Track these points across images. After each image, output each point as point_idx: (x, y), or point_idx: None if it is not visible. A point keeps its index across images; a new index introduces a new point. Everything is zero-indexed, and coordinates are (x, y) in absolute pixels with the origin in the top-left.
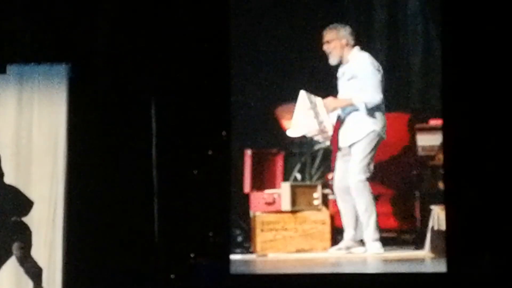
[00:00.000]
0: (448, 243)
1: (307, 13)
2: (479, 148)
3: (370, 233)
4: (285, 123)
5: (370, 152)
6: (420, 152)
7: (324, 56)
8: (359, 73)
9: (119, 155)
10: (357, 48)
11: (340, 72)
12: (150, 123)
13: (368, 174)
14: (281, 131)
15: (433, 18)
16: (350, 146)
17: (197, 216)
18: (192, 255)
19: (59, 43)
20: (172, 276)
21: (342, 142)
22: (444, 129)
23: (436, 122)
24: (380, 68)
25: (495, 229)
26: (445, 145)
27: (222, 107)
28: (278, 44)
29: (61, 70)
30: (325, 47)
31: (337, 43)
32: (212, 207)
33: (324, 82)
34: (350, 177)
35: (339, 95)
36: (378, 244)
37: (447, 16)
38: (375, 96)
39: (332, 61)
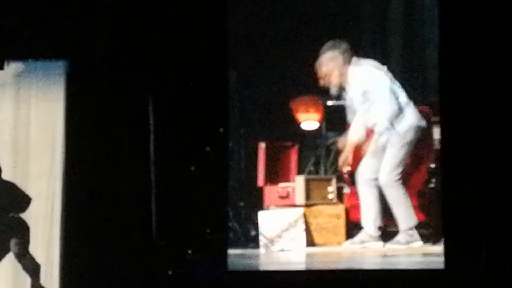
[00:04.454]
0: (446, 240)
1: (319, 2)
2: (477, 144)
3: (402, 224)
4: (299, 116)
5: (403, 146)
6: (437, 146)
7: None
8: (368, 93)
9: (117, 152)
10: (353, 62)
11: (348, 98)
12: (148, 119)
13: (397, 172)
14: (296, 124)
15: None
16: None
17: (195, 213)
18: (189, 252)
19: (57, 39)
20: (169, 272)
21: (379, 142)
22: (442, 126)
23: None
24: (384, 69)
25: (493, 226)
26: (443, 142)
27: (220, 104)
28: (292, 35)
29: (59, 67)
30: (321, 82)
31: (333, 74)
32: (209, 203)
33: None
34: (380, 175)
35: (359, 118)
36: (411, 238)
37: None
38: (389, 110)
39: (334, 92)
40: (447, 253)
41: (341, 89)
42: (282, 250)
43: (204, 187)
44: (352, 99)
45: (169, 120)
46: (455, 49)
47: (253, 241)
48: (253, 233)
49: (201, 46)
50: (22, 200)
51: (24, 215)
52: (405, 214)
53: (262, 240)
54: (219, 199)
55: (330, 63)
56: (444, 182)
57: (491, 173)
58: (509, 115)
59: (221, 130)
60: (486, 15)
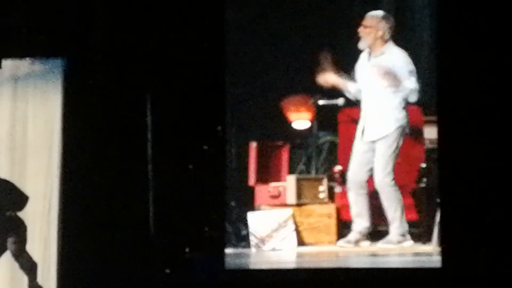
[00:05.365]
0: (443, 238)
1: (312, 4)
2: (475, 143)
3: (394, 227)
4: (290, 115)
5: (396, 149)
6: (428, 145)
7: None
8: (399, 67)
9: (114, 150)
10: (391, 42)
11: (370, 63)
12: (146, 118)
13: (392, 176)
14: (287, 123)
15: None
16: (373, 142)
17: (192, 211)
18: (187, 250)
19: (55, 37)
20: (167, 270)
21: (366, 135)
22: (440, 124)
23: None
24: None
25: (490, 225)
26: (440, 140)
27: (217, 102)
28: (282, 34)
29: (56, 65)
30: (360, 30)
31: (374, 32)
32: (207, 202)
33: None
34: (376, 178)
35: (367, 84)
36: (403, 237)
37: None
38: (417, 86)
39: (362, 46)
40: (444, 252)
41: (370, 51)
42: (273, 249)
43: (201, 185)
44: (376, 66)
45: (167, 119)
46: (452, 48)
47: (244, 241)
48: (244, 232)
49: (198, 44)
50: (19, 199)
51: (21, 214)
52: (399, 219)
53: (253, 240)
54: (216, 198)
55: (377, 22)
56: (441, 180)
57: (488, 172)
58: (506, 114)
59: (219, 128)
60: (482, 14)
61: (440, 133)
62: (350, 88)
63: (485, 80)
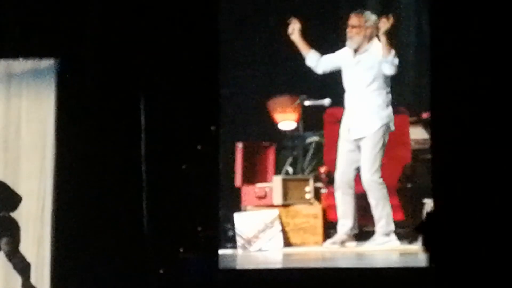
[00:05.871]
0: (431, 238)
1: (301, 7)
2: (468, 142)
3: (381, 226)
4: (277, 116)
5: (382, 146)
6: (413, 146)
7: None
8: (382, 61)
9: (108, 150)
10: (375, 38)
11: (355, 60)
12: (139, 118)
13: (380, 173)
14: (273, 124)
15: (425, 12)
16: (358, 140)
17: (186, 211)
18: (181, 250)
19: (48, 38)
20: (161, 270)
21: (351, 134)
22: (433, 123)
23: (429, 115)
24: None
25: (481, 224)
26: (433, 140)
27: (211, 102)
28: (269, 36)
29: (49, 65)
30: (348, 30)
31: (362, 31)
32: (201, 201)
33: (317, 75)
34: (363, 176)
35: (351, 82)
36: (388, 238)
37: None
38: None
39: (351, 45)
40: (432, 251)
41: (356, 49)
42: (260, 250)
43: (195, 185)
44: (360, 62)
45: (160, 118)
46: (446, 50)
47: (231, 242)
48: (230, 233)
49: (192, 44)
50: (13, 199)
51: (14, 214)
52: (386, 217)
53: (239, 241)
54: (210, 197)
55: (364, 22)
56: (434, 181)
57: (478, 172)
58: (500, 113)
59: (213, 128)
60: (473, 12)
61: (433, 132)
62: (310, 55)
63: (477, 79)
